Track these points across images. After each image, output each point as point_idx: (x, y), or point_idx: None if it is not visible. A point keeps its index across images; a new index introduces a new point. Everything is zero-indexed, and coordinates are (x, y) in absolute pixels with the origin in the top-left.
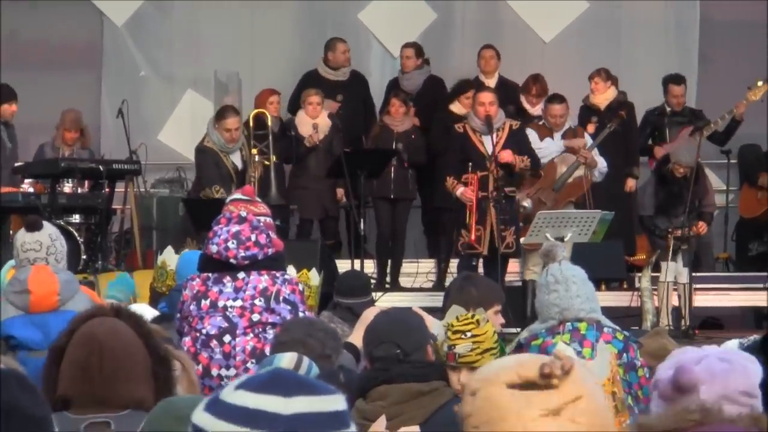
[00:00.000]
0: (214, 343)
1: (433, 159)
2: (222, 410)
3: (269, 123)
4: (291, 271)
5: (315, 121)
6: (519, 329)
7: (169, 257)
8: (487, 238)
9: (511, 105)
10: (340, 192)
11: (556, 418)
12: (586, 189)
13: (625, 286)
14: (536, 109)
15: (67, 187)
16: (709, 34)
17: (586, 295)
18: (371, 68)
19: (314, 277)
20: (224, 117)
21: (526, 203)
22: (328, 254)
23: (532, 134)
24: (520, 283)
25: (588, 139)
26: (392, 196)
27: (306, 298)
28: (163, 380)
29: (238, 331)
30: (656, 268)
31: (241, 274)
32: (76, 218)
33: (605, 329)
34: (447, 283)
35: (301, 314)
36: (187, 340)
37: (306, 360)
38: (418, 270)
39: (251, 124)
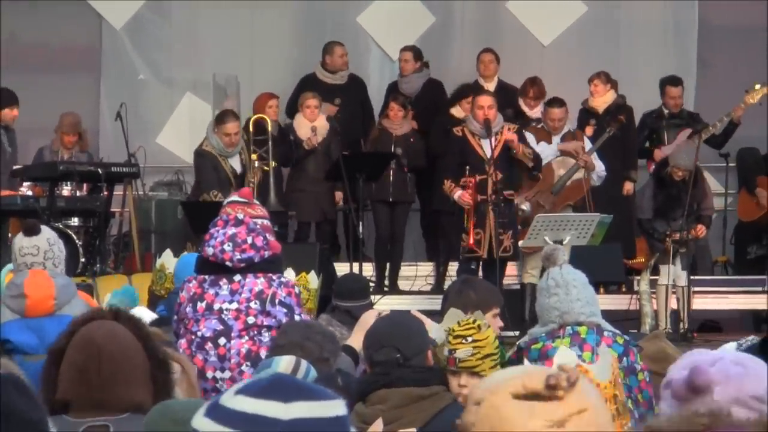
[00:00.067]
0: (209, 345)
1: (433, 162)
2: (222, 415)
3: (269, 128)
4: (290, 273)
5: (313, 124)
6: (517, 332)
7: (168, 260)
8: (487, 241)
9: (510, 108)
10: (339, 195)
11: (561, 430)
12: (585, 192)
13: (623, 289)
14: (535, 112)
15: (66, 190)
16: (708, 37)
17: (586, 299)
18: (370, 71)
19: (313, 280)
20: (224, 122)
21: (525, 206)
22: (326, 257)
23: (529, 137)
24: (518, 286)
25: (587, 143)
26: (391, 199)
27: (305, 301)
28: (161, 383)
29: (233, 334)
30: (655, 271)
31: (237, 277)
32: (74, 221)
33: (605, 333)
34: (446, 286)
35: (296, 317)
36: (182, 342)
37: (304, 363)
38: (417, 273)
39: (251, 129)
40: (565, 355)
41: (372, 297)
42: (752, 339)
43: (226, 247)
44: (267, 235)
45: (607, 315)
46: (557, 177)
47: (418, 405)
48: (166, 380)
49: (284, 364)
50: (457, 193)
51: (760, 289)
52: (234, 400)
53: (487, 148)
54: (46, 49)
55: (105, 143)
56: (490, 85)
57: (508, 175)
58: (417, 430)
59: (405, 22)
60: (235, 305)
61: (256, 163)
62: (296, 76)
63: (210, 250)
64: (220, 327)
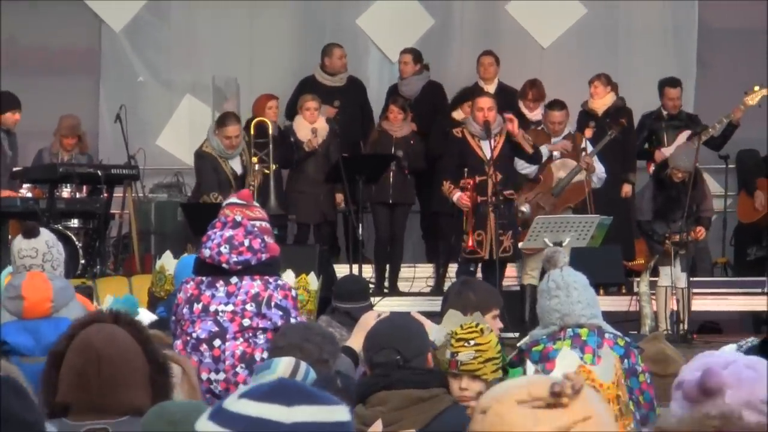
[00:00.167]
0: (203, 347)
1: (432, 164)
2: (225, 419)
3: (270, 131)
4: (290, 275)
5: (314, 126)
6: (517, 334)
7: (168, 262)
8: (488, 242)
9: (510, 111)
10: (339, 197)
11: None
12: (586, 194)
13: (623, 290)
14: (534, 114)
15: (66, 192)
16: (707, 38)
17: (587, 301)
18: (369, 74)
19: (313, 281)
20: (225, 124)
21: (525, 208)
22: (326, 259)
23: None
24: (518, 288)
25: (588, 145)
26: (391, 201)
27: (305, 303)
28: (161, 386)
29: (228, 336)
30: (654, 272)
31: (234, 279)
32: (74, 223)
33: (606, 335)
34: (445, 288)
35: (292, 320)
36: (177, 343)
37: (303, 364)
38: (417, 274)
39: (252, 131)
40: (567, 356)
41: (372, 298)
42: (752, 340)
43: (222, 249)
44: (265, 237)
45: (607, 316)
46: (557, 179)
47: (417, 407)
48: (166, 383)
49: (283, 365)
50: (456, 195)
51: (759, 290)
52: (238, 404)
53: (486, 149)
54: (46, 51)
55: (104, 145)
56: (491, 88)
57: (508, 175)
58: None
59: (404, 24)
60: (230, 307)
61: (257, 166)
62: (295, 78)
63: (207, 252)
64: (216, 329)
